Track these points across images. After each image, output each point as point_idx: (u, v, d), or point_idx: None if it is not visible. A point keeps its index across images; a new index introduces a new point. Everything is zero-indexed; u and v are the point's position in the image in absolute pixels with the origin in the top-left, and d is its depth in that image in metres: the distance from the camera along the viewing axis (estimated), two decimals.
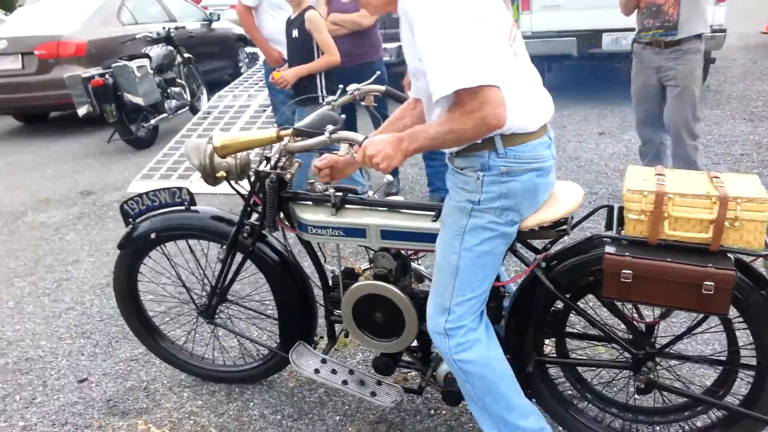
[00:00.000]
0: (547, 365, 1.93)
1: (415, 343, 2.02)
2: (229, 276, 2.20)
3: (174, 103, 6.37)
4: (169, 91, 6.28)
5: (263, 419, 2.20)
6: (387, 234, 1.85)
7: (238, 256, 2.14)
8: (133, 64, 5.56)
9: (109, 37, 6.90)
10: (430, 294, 1.75)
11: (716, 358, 1.97)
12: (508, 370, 1.72)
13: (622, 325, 1.85)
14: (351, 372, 2.07)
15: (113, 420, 2.25)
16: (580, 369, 2.02)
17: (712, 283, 1.47)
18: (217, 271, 2.19)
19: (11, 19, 7.91)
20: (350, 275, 2.06)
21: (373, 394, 2.01)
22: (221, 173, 1.99)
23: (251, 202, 2.05)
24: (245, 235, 2.08)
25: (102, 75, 5.57)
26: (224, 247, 2.12)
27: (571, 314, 1.89)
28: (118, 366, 2.57)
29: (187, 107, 6.78)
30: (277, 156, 1.94)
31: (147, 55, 5.99)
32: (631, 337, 1.81)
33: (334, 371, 2.08)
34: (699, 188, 1.55)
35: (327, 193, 1.91)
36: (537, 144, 1.57)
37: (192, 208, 2.20)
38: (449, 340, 1.66)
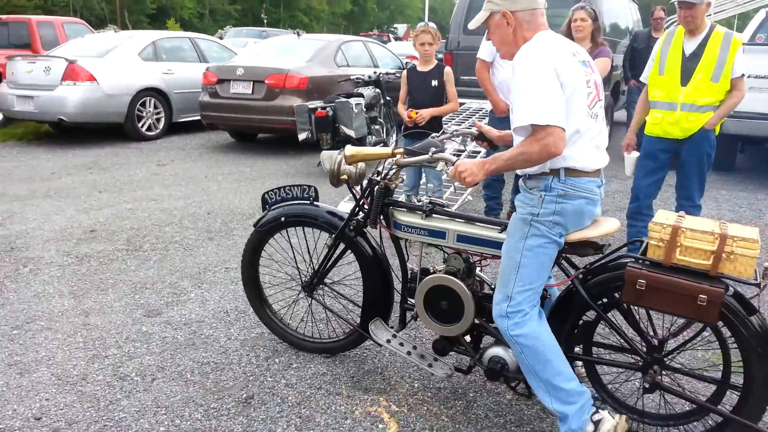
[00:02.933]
0: (575, 364, 2.29)
1: (468, 339, 2.48)
2: (331, 261, 2.75)
3: (374, 138, 7.05)
4: (371, 127, 6.99)
5: (488, 419, 2.50)
6: (461, 238, 2.36)
7: (341, 247, 2.70)
8: (352, 102, 6.31)
9: (326, 76, 7.82)
10: (496, 287, 2.18)
11: (710, 375, 2.27)
12: (555, 343, 2.11)
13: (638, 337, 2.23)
14: (414, 347, 2.56)
15: (358, 393, 2.65)
16: (599, 373, 2.41)
17: (705, 297, 1.90)
18: (322, 256, 2.76)
19: (247, 52, 9.24)
20: (426, 272, 2.52)
21: (430, 365, 2.49)
22: (344, 176, 2.57)
23: (361, 203, 2.60)
24: (351, 228, 2.63)
25: (324, 108, 6.36)
26: (333, 236, 2.69)
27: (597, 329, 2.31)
28: (355, 351, 2.98)
29: (382, 144, 7.46)
30: (387, 169, 2.50)
31: (361, 95, 6.75)
32: (643, 346, 2.20)
33: (401, 344, 2.58)
34: (707, 227, 1.98)
35: (419, 203, 2.46)
36: (590, 181, 2.07)
37: (315, 203, 2.79)
38: (509, 320, 2.10)
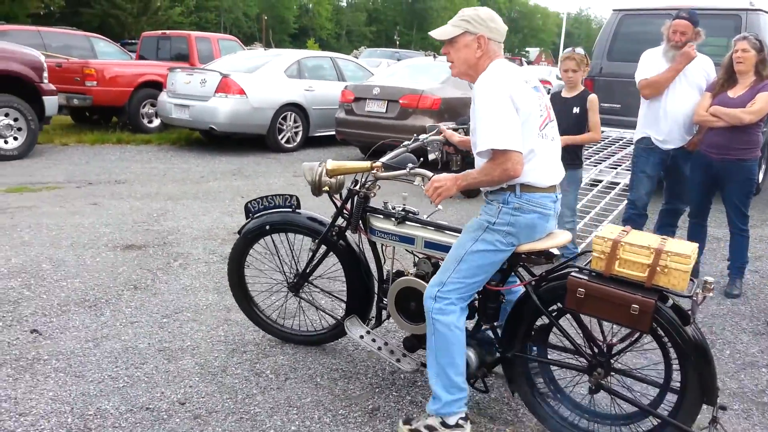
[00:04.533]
0: (529, 366, 2.46)
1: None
2: (314, 262, 2.94)
3: None
4: None
5: None
6: (428, 244, 2.56)
7: (323, 250, 2.89)
8: None
9: (459, 97, 7.85)
10: (437, 271, 2.35)
11: (652, 378, 2.37)
12: (463, 340, 2.29)
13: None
14: (386, 343, 2.75)
15: (483, 420, 2.59)
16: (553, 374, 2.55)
17: (638, 306, 2.05)
18: (306, 259, 2.95)
19: (383, 72, 9.54)
20: (399, 274, 2.71)
21: (398, 360, 2.69)
22: (326, 188, 2.75)
23: (341, 210, 2.79)
24: (333, 233, 2.83)
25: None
26: (316, 240, 2.88)
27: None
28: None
29: None
30: (365, 180, 2.68)
31: None
32: (593, 350, 2.33)
33: (374, 340, 2.76)
34: (644, 242, 2.12)
35: (393, 210, 2.64)
36: (545, 196, 2.25)
37: (296, 210, 2.95)
38: (435, 302, 2.27)
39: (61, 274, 3.95)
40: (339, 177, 2.74)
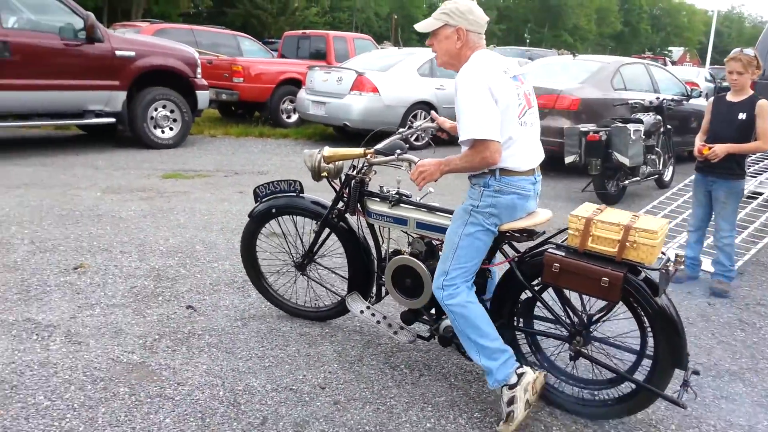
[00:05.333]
0: (516, 336, 2.67)
1: (432, 311, 2.84)
2: (318, 243, 3.13)
3: (648, 169, 6.58)
4: (647, 157, 6.52)
5: None
6: (420, 225, 2.75)
7: (326, 231, 3.08)
8: (630, 128, 5.95)
9: (600, 98, 7.52)
10: (438, 263, 2.53)
11: (629, 345, 2.54)
12: (482, 311, 2.44)
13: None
14: (384, 317, 2.95)
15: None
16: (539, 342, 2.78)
17: (608, 279, 2.21)
18: (311, 240, 3.13)
19: None
20: (396, 252, 2.89)
21: (396, 333, 2.89)
22: (324, 173, 2.90)
23: (340, 194, 2.95)
24: (333, 216, 3.01)
25: (597, 131, 6.11)
26: (318, 223, 3.07)
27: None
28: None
29: (656, 176, 6.92)
30: (361, 165, 2.84)
31: (640, 121, 6.33)
32: (570, 321, 2.52)
33: (373, 314, 2.95)
34: (615, 219, 2.28)
35: (388, 193, 2.82)
36: (523, 179, 2.38)
37: (300, 195, 3.12)
38: (444, 291, 2.45)
39: (212, 255, 4.26)
40: (337, 163, 2.91)
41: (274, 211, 3.18)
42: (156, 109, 7.95)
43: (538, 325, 2.71)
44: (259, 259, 3.37)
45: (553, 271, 2.34)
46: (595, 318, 2.48)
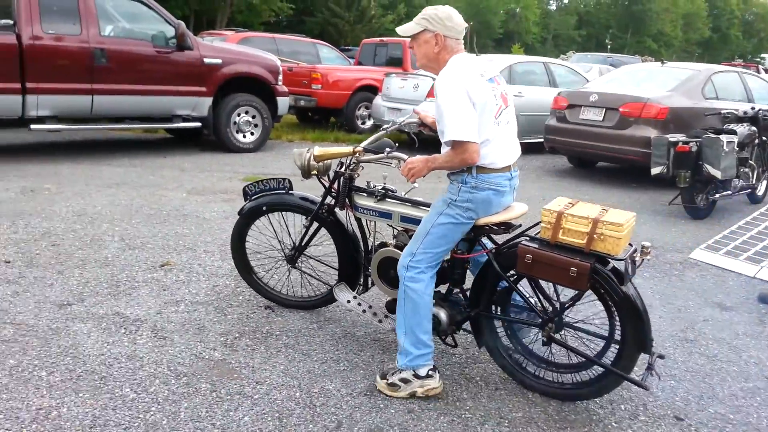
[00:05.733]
0: (493, 323, 2.80)
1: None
2: (306, 237, 3.26)
3: (740, 183, 6.21)
4: (740, 170, 6.15)
5: None
6: (404, 218, 2.87)
7: (315, 225, 3.22)
8: (723, 139, 5.63)
9: (689, 108, 7.17)
10: (409, 242, 2.68)
11: (598, 331, 2.74)
12: (430, 304, 2.62)
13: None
14: (370, 306, 3.08)
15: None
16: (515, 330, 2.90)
17: (576, 269, 2.37)
18: (301, 234, 3.27)
19: (601, 78, 9.07)
20: (382, 245, 3.00)
21: (380, 321, 3.02)
22: (314, 171, 3.03)
23: (329, 190, 3.08)
24: (323, 211, 3.14)
25: (687, 142, 5.81)
26: (308, 218, 3.19)
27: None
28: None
29: (749, 190, 6.52)
30: (349, 163, 2.96)
31: (733, 131, 5.98)
32: (544, 308, 2.67)
33: (359, 304, 3.08)
34: (584, 213, 2.42)
35: (374, 189, 2.94)
36: (499, 175, 2.52)
37: (290, 192, 3.25)
38: (407, 271, 2.59)
39: None
40: (326, 161, 3.02)
41: (264, 208, 3.30)
42: (239, 115, 8.23)
43: (514, 313, 2.86)
44: (248, 254, 3.53)
45: (526, 261, 2.49)
46: (566, 306, 2.64)
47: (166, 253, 4.28)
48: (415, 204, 2.86)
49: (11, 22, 6.73)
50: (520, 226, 2.71)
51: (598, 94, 7.61)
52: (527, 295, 2.70)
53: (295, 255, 3.37)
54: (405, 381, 2.62)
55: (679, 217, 6.11)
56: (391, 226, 2.99)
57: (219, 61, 7.89)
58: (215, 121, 8.04)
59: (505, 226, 2.64)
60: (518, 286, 2.70)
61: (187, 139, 9.09)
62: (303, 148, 3.07)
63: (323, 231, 3.26)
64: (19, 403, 2.48)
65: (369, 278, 3.13)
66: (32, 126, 6.85)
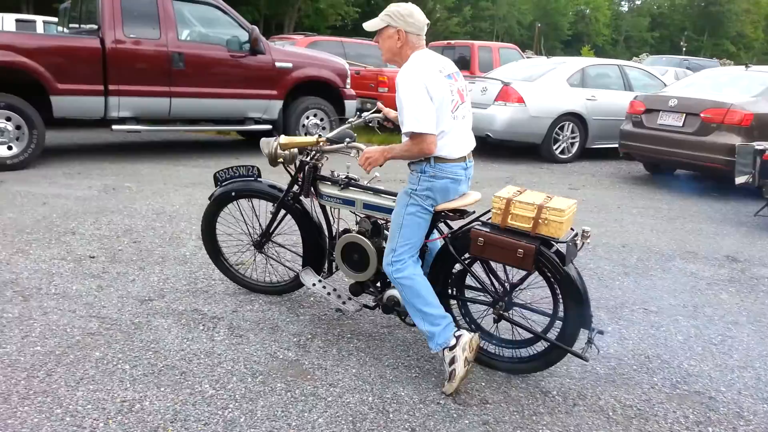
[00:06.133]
0: (449, 303, 3.00)
1: (378, 284, 3.14)
2: (274, 224, 3.42)
3: None
4: None
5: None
6: (366, 206, 3.04)
7: (282, 213, 3.38)
8: None
9: None
10: (387, 242, 2.84)
11: (543, 309, 2.96)
12: (426, 283, 2.76)
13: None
14: (334, 289, 3.22)
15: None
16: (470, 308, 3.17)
17: (522, 251, 2.59)
18: (268, 220, 3.42)
19: (680, 82, 8.72)
20: (346, 231, 3.18)
21: (344, 303, 3.16)
22: (280, 159, 3.15)
23: (295, 179, 3.21)
24: (289, 198, 3.28)
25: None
26: (275, 204, 3.33)
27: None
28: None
29: None
30: (314, 153, 3.12)
31: None
32: (495, 289, 2.92)
33: (324, 287, 3.22)
34: (530, 199, 2.66)
35: (338, 177, 3.10)
36: (455, 165, 2.72)
37: (258, 179, 3.39)
38: (392, 267, 2.76)
39: None
40: (292, 150, 3.13)
41: (233, 194, 3.46)
42: (308, 117, 8.36)
43: (469, 294, 3.09)
44: (218, 239, 3.67)
45: (478, 244, 2.70)
46: (515, 286, 2.87)
47: (240, 252, 4.37)
48: (377, 192, 3.03)
49: (95, 26, 7.08)
50: (474, 212, 2.88)
51: (677, 99, 7.30)
52: (480, 278, 2.94)
53: (262, 241, 3.51)
54: (452, 362, 2.67)
55: (766, 230, 5.77)
56: (353, 213, 3.17)
57: (290, 64, 8.04)
58: (285, 123, 8.19)
59: (460, 213, 2.82)
60: (472, 269, 2.91)
61: (256, 141, 9.28)
62: (270, 138, 3.21)
63: (289, 218, 3.40)
64: (104, 395, 2.58)
65: (333, 263, 3.29)
66: (114, 126, 7.17)
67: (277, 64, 7.91)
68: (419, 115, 2.53)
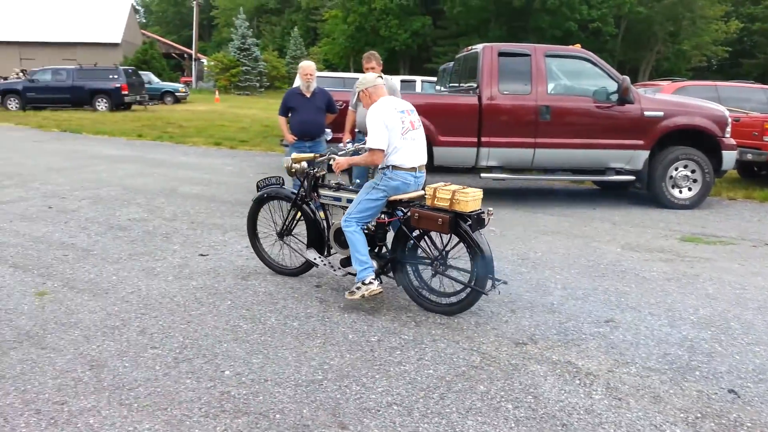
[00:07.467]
0: (405, 266, 4.28)
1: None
2: (290, 219, 4.79)
3: None
4: None
5: None
6: (348, 200, 4.35)
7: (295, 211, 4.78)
8: None
9: None
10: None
11: (463, 268, 4.13)
12: (363, 239, 4.14)
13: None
14: (330, 263, 4.53)
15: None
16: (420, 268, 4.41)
17: (441, 220, 3.88)
18: (287, 217, 4.80)
19: None
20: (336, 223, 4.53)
21: (335, 270, 4.50)
22: (294, 171, 4.53)
23: (303, 186, 4.59)
24: (299, 200, 4.64)
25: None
26: (291, 205, 4.73)
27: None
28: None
29: None
30: (315, 167, 4.56)
31: None
32: (434, 253, 4.17)
33: (321, 260, 4.53)
34: (450, 188, 3.96)
35: (331, 184, 4.55)
36: (406, 173, 4.08)
37: (282, 186, 4.82)
38: (344, 223, 4.16)
39: (751, 337, 3.81)
40: (302, 164, 4.50)
41: (265, 196, 4.82)
42: (676, 169, 7.77)
43: (419, 259, 4.30)
44: (258, 230, 4.94)
45: (415, 218, 4.00)
46: (447, 251, 4.13)
47: (608, 308, 4.26)
48: (355, 192, 4.33)
49: (474, 85, 7.84)
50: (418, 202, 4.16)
51: None
52: (425, 246, 4.21)
53: (283, 231, 4.81)
54: (358, 288, 4.08)
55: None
56: (341, 207, 4.40)
57: (660, 113, 7.62)
58: (650, 174, 7.76)
59: (407, 202, 4.16)
60: (421, 242, 4.20)
61: (613, 192, 9.01)
62: (289, 157, 4.61)
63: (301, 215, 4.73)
64: (491, 428, 2.75)
65: (329, 245, 4.55)
66: (482, 174, 7.78)
67: (647, 113, 7.58)
68: (377, 138, 3.97)
